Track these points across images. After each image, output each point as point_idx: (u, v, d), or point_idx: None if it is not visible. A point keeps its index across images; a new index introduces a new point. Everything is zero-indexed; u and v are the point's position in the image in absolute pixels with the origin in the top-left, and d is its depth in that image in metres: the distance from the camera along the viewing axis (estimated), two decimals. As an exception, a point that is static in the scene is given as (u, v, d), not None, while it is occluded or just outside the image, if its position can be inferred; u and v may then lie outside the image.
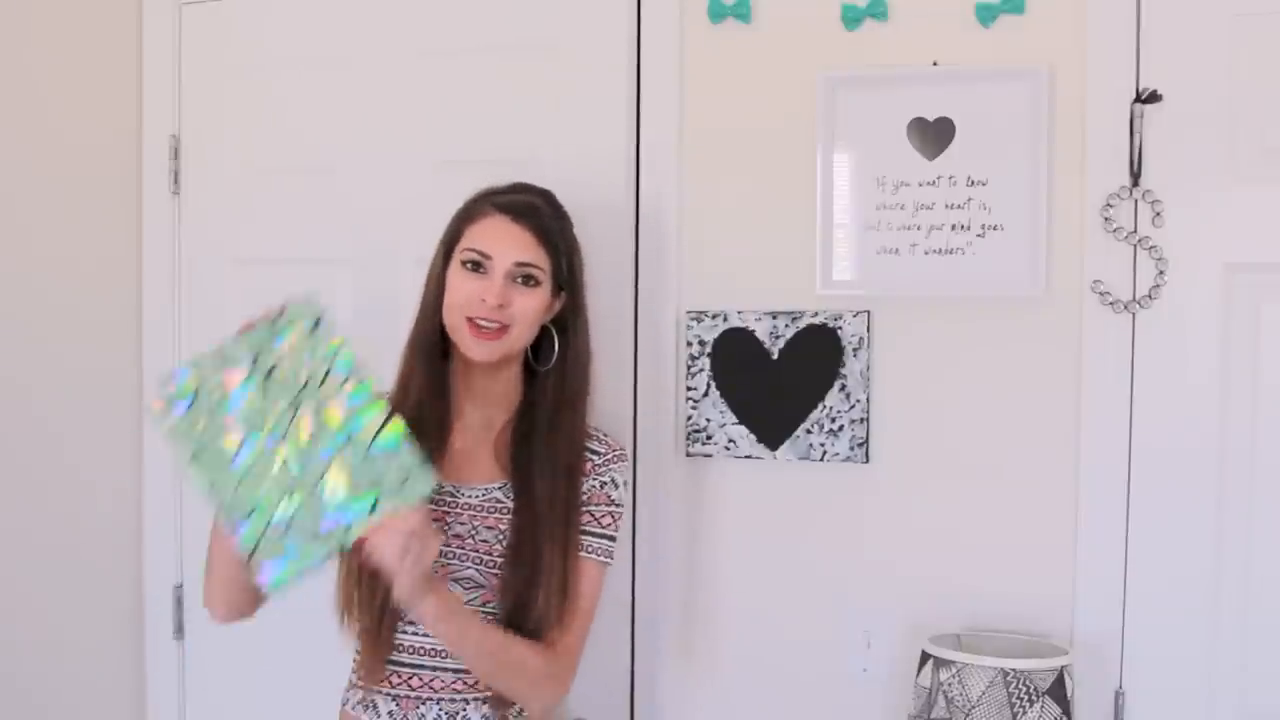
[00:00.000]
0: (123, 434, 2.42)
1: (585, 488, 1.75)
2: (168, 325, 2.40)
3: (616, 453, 1.80)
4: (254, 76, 2.33)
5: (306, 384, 1.50)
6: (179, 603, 2.42)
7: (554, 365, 1.78)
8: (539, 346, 1.79)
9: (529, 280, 1.71)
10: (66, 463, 2.33)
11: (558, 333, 1.78)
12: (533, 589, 1.68)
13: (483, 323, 1.69)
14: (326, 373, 1.50)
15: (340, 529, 1.48)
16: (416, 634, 1.70)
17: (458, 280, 1.72)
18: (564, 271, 1.76)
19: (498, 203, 1.75)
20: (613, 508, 1.77)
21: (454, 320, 1.71)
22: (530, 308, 1.71)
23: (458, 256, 1.73)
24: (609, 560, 1.76)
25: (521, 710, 1.75)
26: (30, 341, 2.27)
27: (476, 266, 1.71)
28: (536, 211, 1.75)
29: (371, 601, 1.68)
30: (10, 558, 2.23)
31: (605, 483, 1.77)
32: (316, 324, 1.53)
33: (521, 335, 1.73)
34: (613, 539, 1.77)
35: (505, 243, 1.71)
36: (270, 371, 1.52)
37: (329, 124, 2.27)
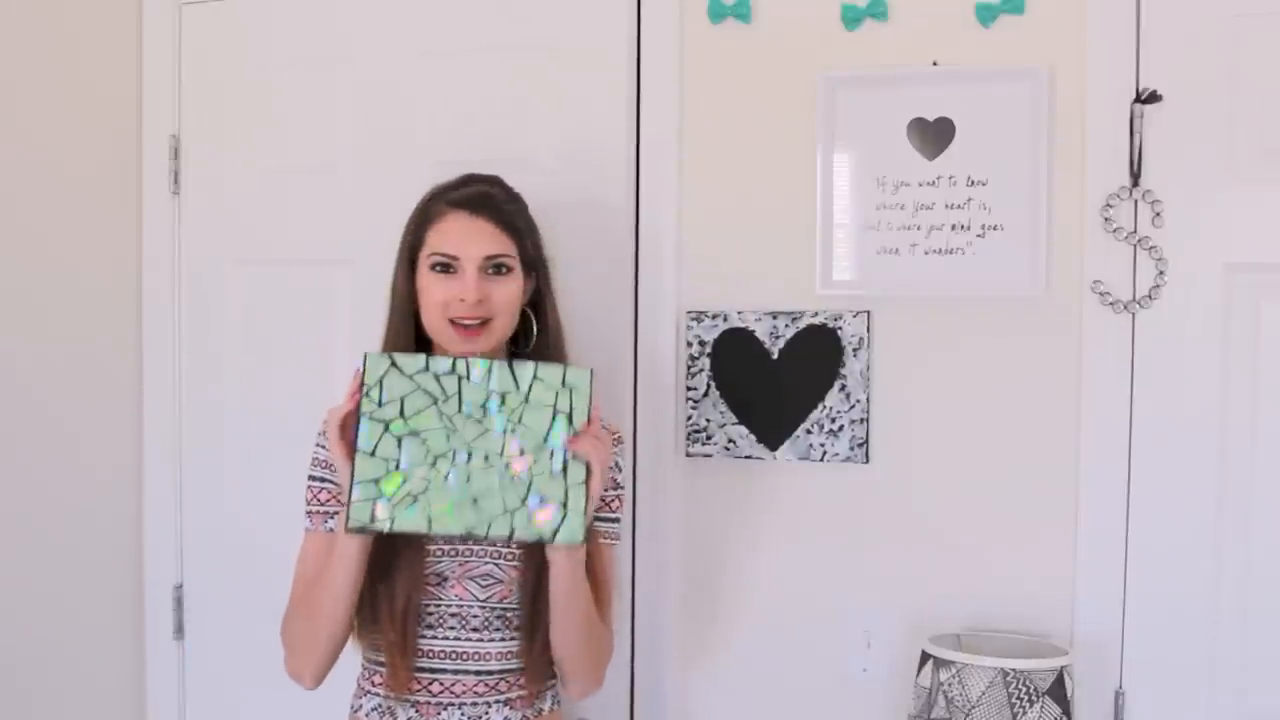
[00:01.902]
0: (123, 434, 2.42)
1: None
2: (168, 325, 2.40)
3: (614, 436, 1.80)
4: (254, 76, 2.33)
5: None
6: (179, 603, 2.42)
7: (533, 346, 1.79)
8: (516, 331, 1.80)
9: (501, 269, 1.71)
10: (67, 462, 2.33)
11: (534, 314, 1.80)
12: (542, 577, 1.68)
13: (466, 321, 1.69)
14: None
15: (561, 455, 1.57)
16: (436, 639, 1.70)
17: (431, 284, 1.71)
18: (529, 253, 1.77)
19: (452, 199, 1.74)
20: (618, 490, 1.79)
21: (435, 323, 1.71)
22: (508, 296, 1.72)
23: (425, 261, 1.72)
24: (617, 540, 1.80)
25: (540, 711, 1.76)
26: (30, 341, 2.27)
27: (446, 268, 1.71)
28: (492, 200, 1.74)
29: (392, 610, 1.68)
30: (10, 558, 2.23)
31: (609, 466, 1.76)
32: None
33: (505, 324, 1.73)
34: (619, 520, 1.80)
35: (470, 239, 1.70)
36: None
37: (329, 124, 2.27)
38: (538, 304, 1.80)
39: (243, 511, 2.36)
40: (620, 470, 1.80)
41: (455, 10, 2.18)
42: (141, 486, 2.43)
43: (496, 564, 1.70)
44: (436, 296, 1.70)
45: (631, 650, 2.09)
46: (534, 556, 1.68)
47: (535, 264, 1.79)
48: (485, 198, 1.74)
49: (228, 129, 2.35)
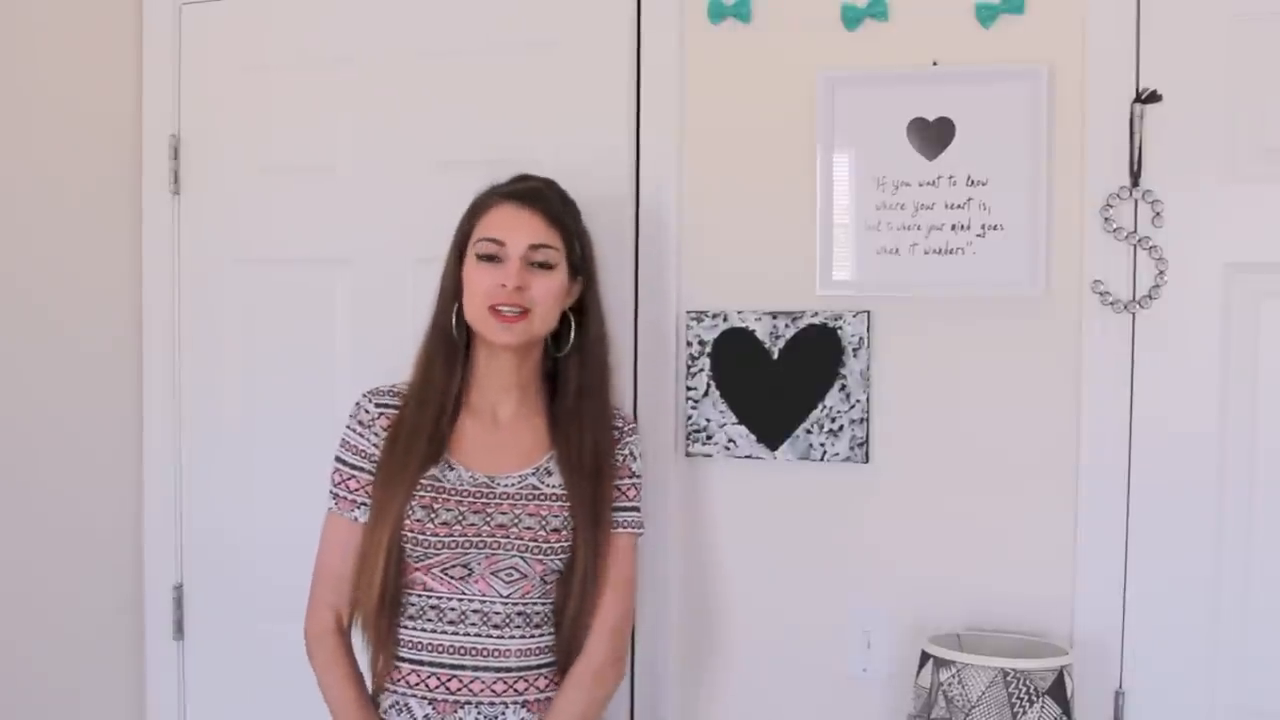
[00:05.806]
0: (123, 434, 2.41)
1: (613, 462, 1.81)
2: (168, 325, 2.40)
3: (631, 425, 1.87)
4: (254, 76, 2.33)
5: None
6: (179, 603, 2.42)
7: (573, 351, 1.82)
8: (557, 333, 1.83)
9: (544, 264, 1.75)
10: (67, 463, 2.33)
11: (575, 319, 1.83)
12: (570, 572, 1.74)
13: (504, 308, 1.72)
14: None
15: None
16: (456, 634, 1.71)
17: (475, 273, 1.75)
18: (577, 254, 1.80)
19: (504, 192, 1.79)
20: (635, 479, 1.84)
21: (477, 311, 1.74)
22: (549, 290, 1.75)
23: (472, 250, 1.76)
24: (642, 530, 1.85)
25: None
26: (30, 342, 2.27)
27: (492, 257, 1.74)
28: (543, 196, 1.79)
29: (370, 593, 1.71)
30: (10, 558, 2.24)
31: (626, 455, 1.83)
32: None
33: (544, 318, 1.76)
34: (639, 509, 1.84)
35: (517, 229, 1.74)
36: None
37: (329, 124, 2.27)
38: (582, 310, 1.83)
39: (242, 511, 2.36)
40: (637, 459, 1.84)
41: (455, 10, 2.18)
42: (141, 486, 2.43)
43: (522, 557, 1.72)
44: (480, 284, 1.74)
45: (632, 649, 2.09)
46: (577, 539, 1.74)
47: (582, 269, 1.83)
48: (537, 192, 1.79)
49: (227, 129, 2.35)
